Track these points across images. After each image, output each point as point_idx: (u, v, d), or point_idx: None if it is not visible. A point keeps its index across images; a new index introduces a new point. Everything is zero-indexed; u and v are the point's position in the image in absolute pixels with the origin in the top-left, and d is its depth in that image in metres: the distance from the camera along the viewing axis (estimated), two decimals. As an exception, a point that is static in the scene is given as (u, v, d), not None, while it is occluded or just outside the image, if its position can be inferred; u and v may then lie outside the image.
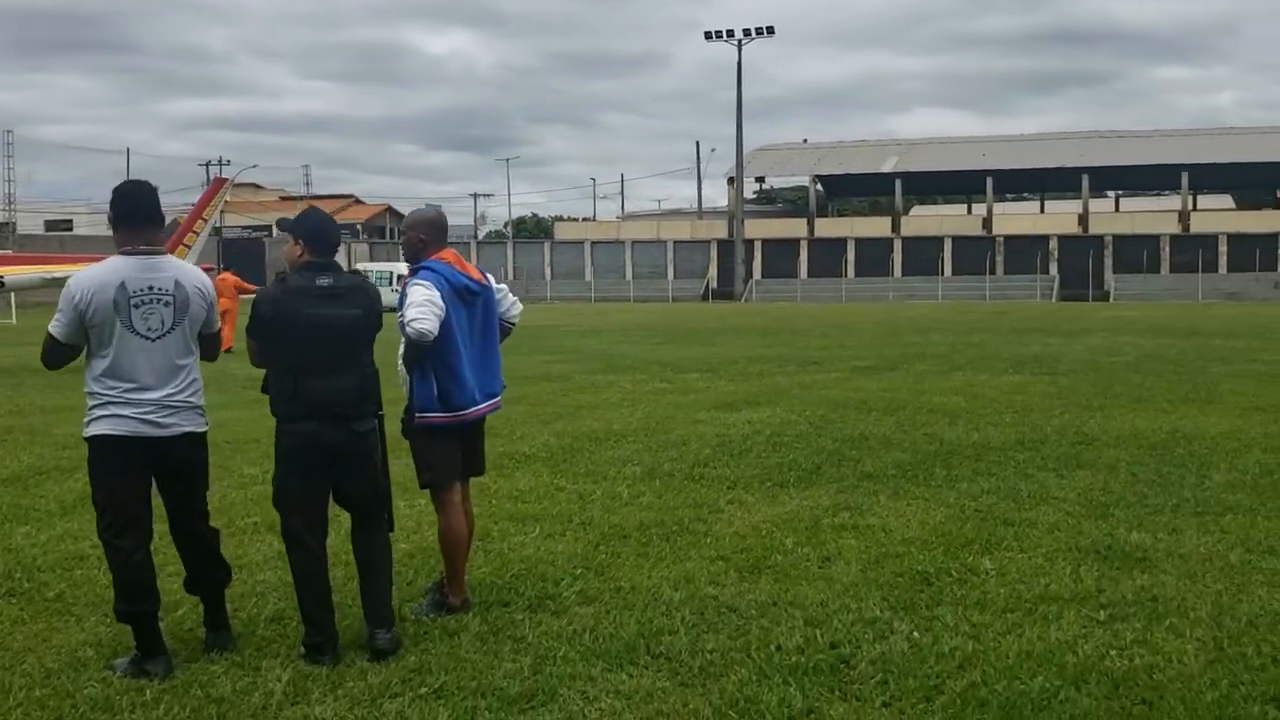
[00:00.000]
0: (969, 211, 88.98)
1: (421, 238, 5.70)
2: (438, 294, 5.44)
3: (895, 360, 21.83)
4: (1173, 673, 4.76)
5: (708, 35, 76.32)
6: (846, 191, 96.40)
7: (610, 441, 11.26)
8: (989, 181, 78.02)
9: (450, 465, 5.62)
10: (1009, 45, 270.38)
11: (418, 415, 5.55)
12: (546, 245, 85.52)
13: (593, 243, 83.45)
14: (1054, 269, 74.50)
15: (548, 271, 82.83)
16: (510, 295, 6.05)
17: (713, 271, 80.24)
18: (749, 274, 78.43)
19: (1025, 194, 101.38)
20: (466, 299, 5.61)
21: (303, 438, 4.98)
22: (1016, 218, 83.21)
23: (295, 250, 5.17)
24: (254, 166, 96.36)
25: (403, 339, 5.46)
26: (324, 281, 5.05)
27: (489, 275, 5.86)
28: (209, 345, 5.20)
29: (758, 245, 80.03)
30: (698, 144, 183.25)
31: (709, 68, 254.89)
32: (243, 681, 4.75)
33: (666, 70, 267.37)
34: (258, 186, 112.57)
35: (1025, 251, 75.20)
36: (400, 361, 5.56)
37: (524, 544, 7.01)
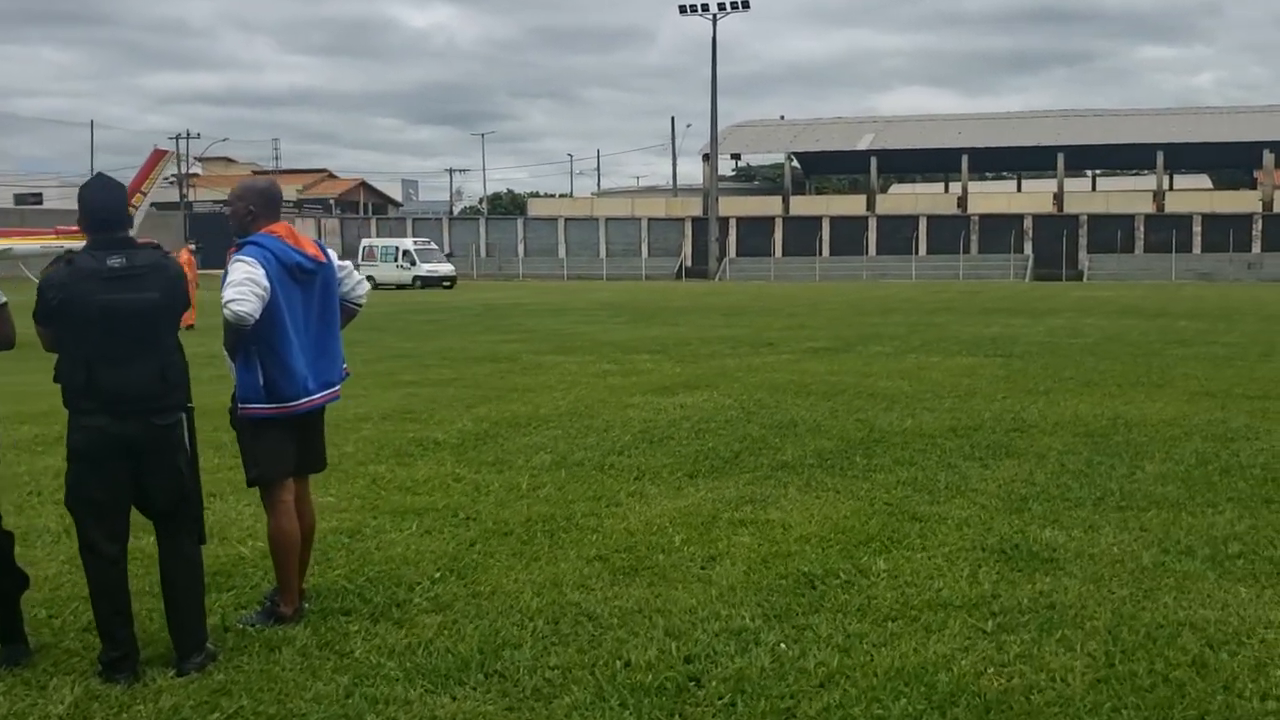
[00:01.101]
0: (946, 190, 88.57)
1: (250, 209, 5.19)
2: (262, 272, 4.94)
3: (851, 341, 21.44)
4: (1052, 694, 4.34)
5: (682, 9, 75.44)
6: (824, 169, 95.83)
7: (530, 427, 10.80)
8: (964, 160, 77.53)
9: (279, 461, 5.13)
10: (992, 24, 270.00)
11: (241, 406, 5.07)
12: (520, 222, 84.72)
13: (566, 219, 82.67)
14: (1029, 248, 74.16)
15: (520, 248, 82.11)
16: (355, 274, 5.56)
17: (687, 249, 79.64)
18: (723, 252, 77.88)
19: (1005, 173, 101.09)
20: (300, 278, 5.12)
21: (96, 432, 4.48)
22: (992, 196, 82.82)
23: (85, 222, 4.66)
24: (224, 140, 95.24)
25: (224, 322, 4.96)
26: (116, 262, 4.53)
27: (329, 251, 5.35)
28: None
29: (732, 223, 79.44)
30: (673, 120, 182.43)
31: (691, 43, 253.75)
32: (23, 702, 4.29)
33: (650, 45, 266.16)
34: (230, 160, 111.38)
35: (1000, 231, 74.83)
36: (223, 347, 5.06)
37: (394, 542, 6.54)
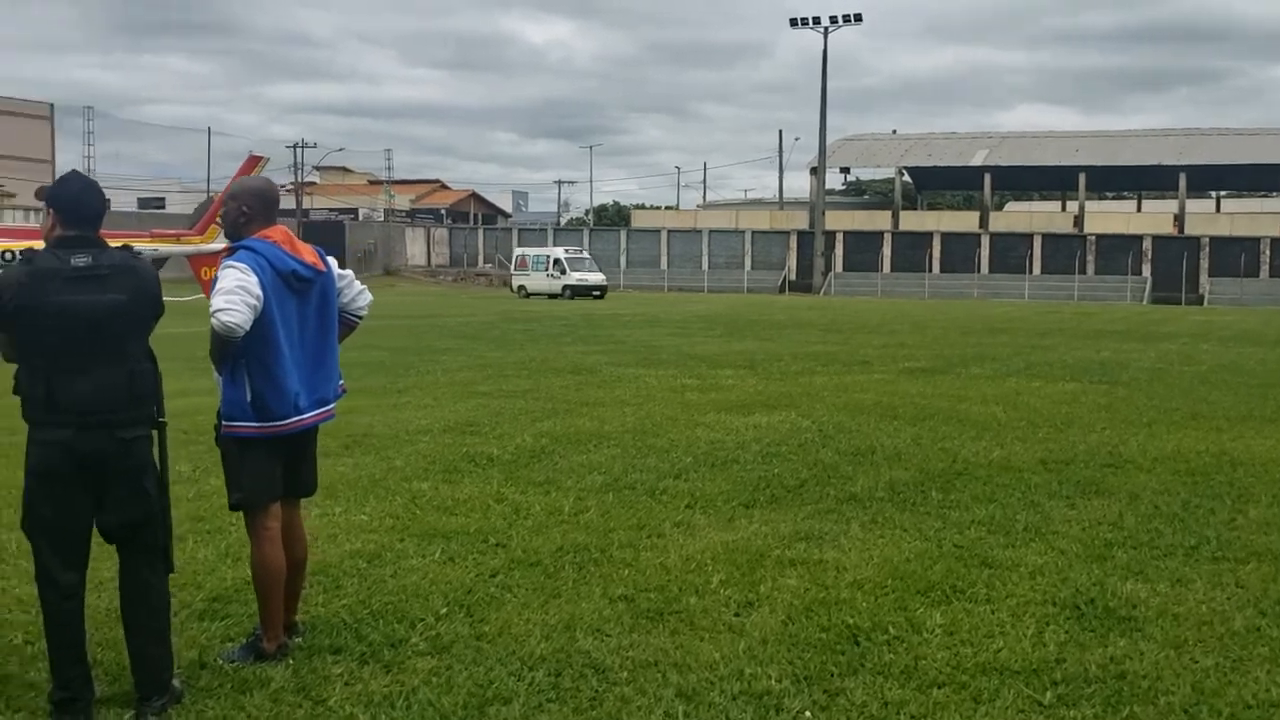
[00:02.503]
0: (1063, 209, 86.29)
1: (244, 210, 4.79)
2: (254, 280, 4.54)
3: (951, 363, 20.59)
4: (1112, 789, 3.72)
5: (793, 22, 74.77)
6: (936, 185, 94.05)
7: (590, 445, 10.33)
8: (1081, 178, 75.36)
9: (264, 485, 4.72)
10: (1115, 42, 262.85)
11: (225, 424, 4.68)
12: (623, 233, 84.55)
13: (669, 231, 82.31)
14: (1147, 270, 71.80)
15: (623, 260, 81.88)
16: (356, 284, 5.13)
17: (791, 263, 78.71)
18: (829, 266, 76.78)
19: (1124, 192, 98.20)
20: (295, 287, 4.71)
21: (55, 448, 4.11)
22: (1109, 216, 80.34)
23: (50, 223, 4.30)
24: (340, 150, 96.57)
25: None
26: (81, 261, 4.15)
27: (329, 259, 4.94)
28: None
29: (839, 237, 78.32)
30: (780, 133, 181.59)
31: (806, 58, 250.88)
32: (-41, 744, 3.93)
33: (765, 60, 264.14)
34: (346, 170, 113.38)
35: (1118, 251, 72.59)
36: (210, 359, 4.67)
37: (412, 569, 6.12)
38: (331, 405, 4.99)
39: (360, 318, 5.17)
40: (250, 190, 4.87)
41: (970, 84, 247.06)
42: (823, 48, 74.90)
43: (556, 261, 60.62)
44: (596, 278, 60.46)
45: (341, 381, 5.11)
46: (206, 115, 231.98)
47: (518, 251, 66.08)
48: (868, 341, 26.65)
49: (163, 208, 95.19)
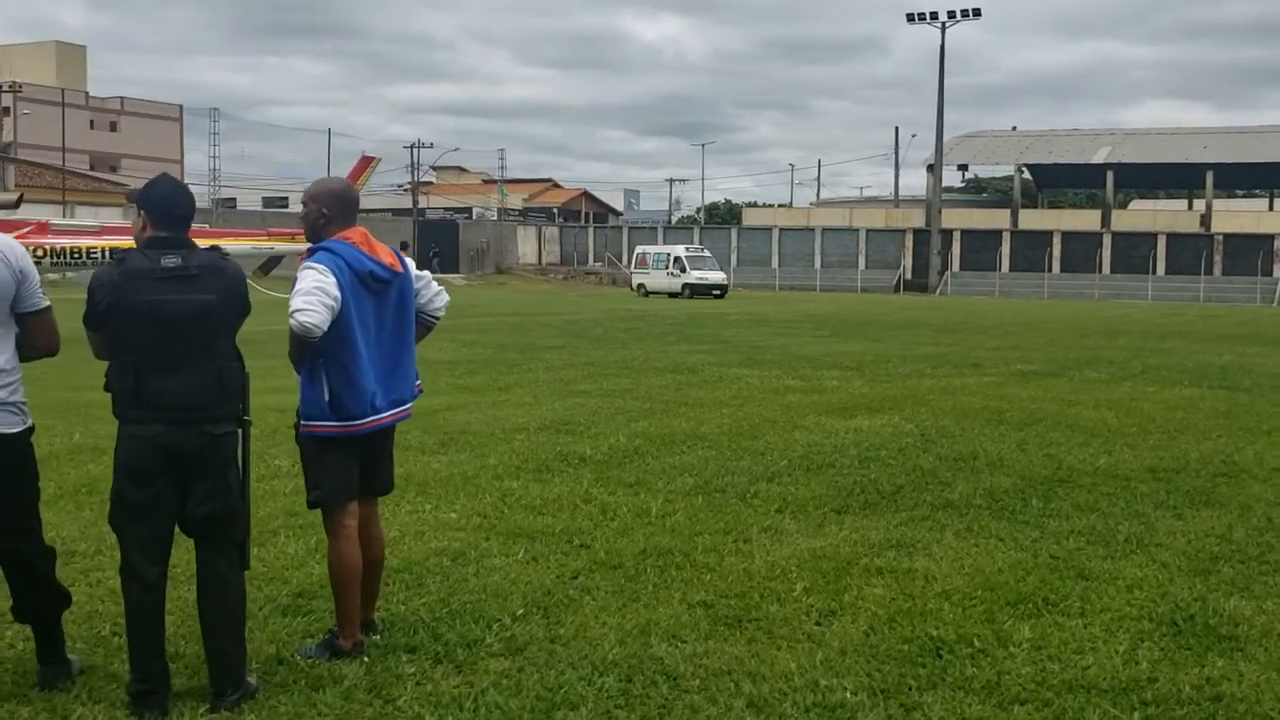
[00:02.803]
0: (1189, 207, 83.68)
1: (324, 212, 4.85)
2: (333, 280, 4.58)
3: (1064, 365, 20.05)
4: (1198, 819, 3.55)
5: (910, 17, 73.70)
6: (1057, 182, 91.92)
7: (685, 446, 10.28)
8: (1209, 176, 72.95)
9: (342, 483, 4.75)
10: (1250, 35, 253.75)
11: (303, 423, 4.72)
12: (733, 231, 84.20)
13: (781, 229, 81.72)
14: (1278, 271, 69.24)
15: (733, 258, 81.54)
16: (434, 285, 5.15)
17: (906, 262, 77.57)
18: (945, 266, 75.52)
19: (1256, 191, 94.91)
20: (373, 288, 4.75)
21: (145, 442, 4.19)
22: (1239, 215, 77.63)
23: (140, 224, 4.39)
24: (456, 149, 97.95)
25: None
26: (171, 262, 4.24)
27: (407, 261, 4.97)
28: (35, 330, 4.45)
29: (956, 236, 76.98)
30: (896, 130, 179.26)
31: (926, 54, 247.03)
32: (40, 732, 4.02)
33: (883, 57, 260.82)
34: (462, 169, 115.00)
35: (1247, 252, 70.11)
36: (289, 359, 4.72)
37: (495, 568, 6.13)
38: (409, 405, 5.02)
39: (437, 318, 5.19)
40: (329, 192, 4.92)
41: (1095, 80, 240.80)
42: (940, 43, 73.75)
43: (676, 260, 59.22)
44: (717, 276, 58.99)
45: (419, 381, 5.14)
46: (329, 116, 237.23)
47: (638, 249, 64.95)
48: (980, 343, 26.13)
49: (286, 207, 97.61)
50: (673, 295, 56.15)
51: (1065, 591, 5.91)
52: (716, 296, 55.81)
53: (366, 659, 4.72)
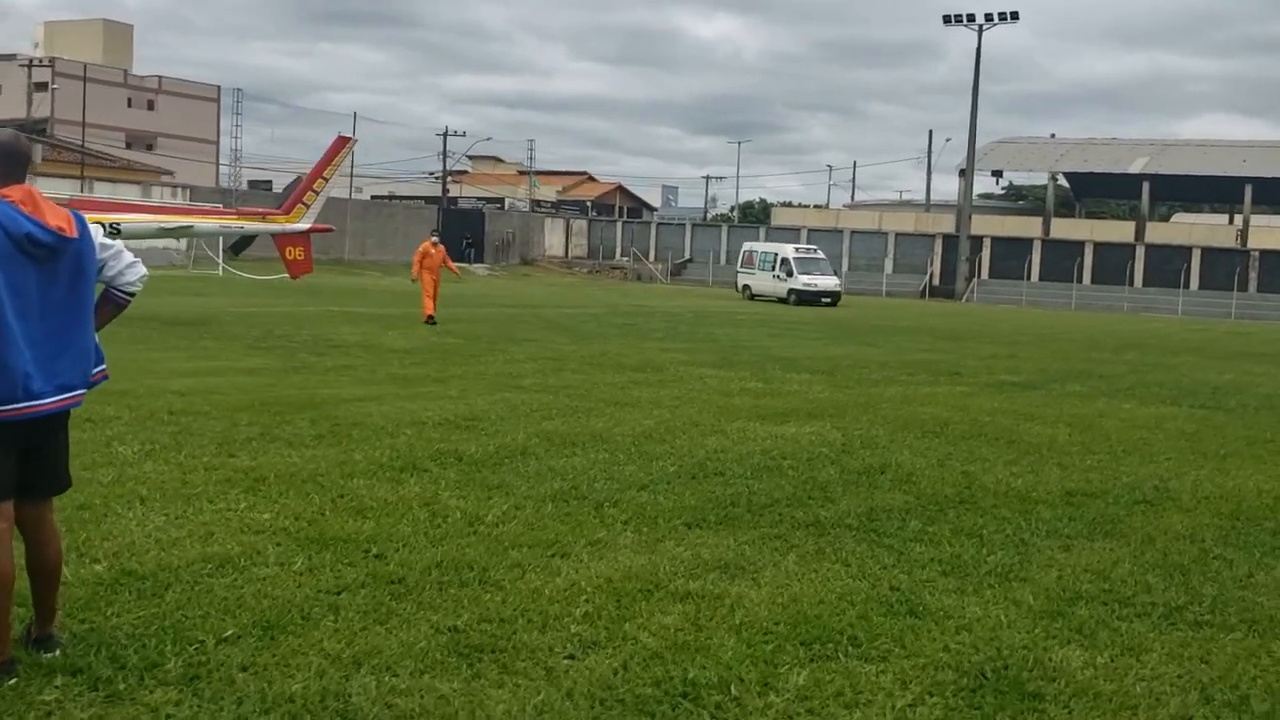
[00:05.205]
0: (1230, 221, 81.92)
1: (-21, 164, 4.24)
2: (-22, 244, 3.99)
3: (1051, 378, 19.26)
4: None
5: (947, 19, 72.46)
6: (1095, 192, 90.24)
7: (580, 448, 9.66)
8: (1248, 189, 71.31)
9: (-6, 479, 4.16)
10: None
11: (-56, 409, 4.13)
12: (761, 230, 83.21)
13: (810, 230, 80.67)
14: (1315, 289, 67.65)
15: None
16: (126, 255, 4.51)
17: (935, 267, 76.39)
18: (973, 273, 74.28)
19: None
20: (33, 253, 4.13)
21: None
22: (1277, 231, 75.92)
23: None
24: (488, 139, 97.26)
25: None
26: None
27: (87, 226, 4.34)
28: None
29: (986, 242, 75.72)
30: (930, 133, 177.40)
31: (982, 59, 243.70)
32: None
33: (937, 60, 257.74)
34: (498, 160, 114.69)
35: (1284, 268, 68.55)
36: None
37: (255, 579, 5.53)
38: (80, 392, 4.39)
39: (131, 294, 4.57)
40: (-12, 142, 4.31)
41: (1150, 91, 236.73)
42: (976, 45, 72.41)
43: (783, 261, 52.10)
44: (828, 282, 51.42)
45: (101, 367, 4.52)
46: (384, 103, 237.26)
47: (745, 246, 58.64)
48: (976, 351, 25.35)
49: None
50: (780, 301, 50.24)
51: (881, 630, 5.25)
52: (827, 304, 49.28)
53: (14, 681, 4.15)
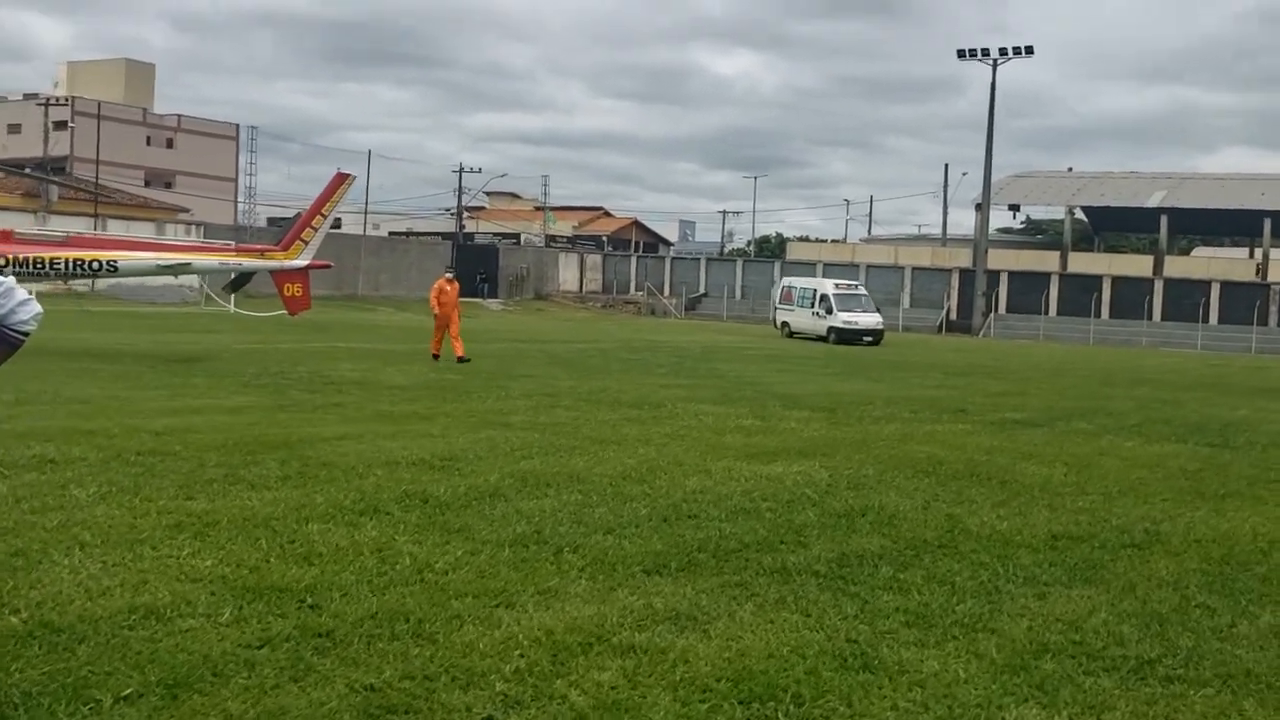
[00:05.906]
0: (1250, 255, 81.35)
1: None
2: None
3: (1057, 415, 18.91)
4: None
5: (960, 54, 72.44)
6: (1113, 226, 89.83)
7: (555, 489, 9.41)
8: (1266, 224, 70.80)
9: None
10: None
11: None
12: (777, 265, 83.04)
13: (825, 264, 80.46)
14: (1337, 323, 67.00)
15: (775, 292, 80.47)
16: (19, 293, 4.28)
17: (951, 302, 76.02)
18: (990, 307, 73.87)
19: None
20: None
21: None
22: (1298, 265, 75.37)
23: None
24: (503, 176, 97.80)
25: None
26: None
27: None
28: None
29: (1003, 277, 75.36)
30: (946, 167, 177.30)
31: (1004, 95, 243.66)
32: None
33: (958, 96, 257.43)
34: (515, 195, 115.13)
35: (1305, 303, 67.92)
36: None
37: (179, 630, 5.29)
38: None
39: (24, 334, 4.35)
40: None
41: (1172, 125, 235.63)
42: (991, 80, 72.32)
43: (823, 298, 49.72)
44: (870, 320, 48.79)
45: None
46: (407, 142, 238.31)
47: (784, 281, 56.78)
48: (985, 388, 25.00)
49: (339, 227, 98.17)
50: (819, 339, 48.19)
51: (829, 687, 4.98)
52: (869, 343, 46.54)
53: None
